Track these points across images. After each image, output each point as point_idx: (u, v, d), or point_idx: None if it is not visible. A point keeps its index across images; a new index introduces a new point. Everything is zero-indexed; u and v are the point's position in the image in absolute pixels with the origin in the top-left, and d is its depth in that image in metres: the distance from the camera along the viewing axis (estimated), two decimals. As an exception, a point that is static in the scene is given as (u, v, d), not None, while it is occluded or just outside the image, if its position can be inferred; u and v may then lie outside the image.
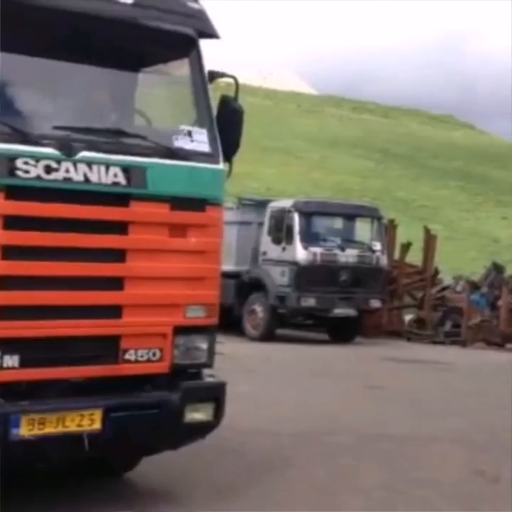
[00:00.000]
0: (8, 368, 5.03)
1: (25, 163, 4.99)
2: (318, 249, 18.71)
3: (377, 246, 19.52)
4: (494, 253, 39.60)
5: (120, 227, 5.38)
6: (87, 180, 5.20)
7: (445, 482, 6.99)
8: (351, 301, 18.97)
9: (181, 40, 5.77)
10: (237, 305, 19.21)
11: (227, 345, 13.20)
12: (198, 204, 5.66)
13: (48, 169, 5.07)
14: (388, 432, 8.84)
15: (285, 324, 19.60)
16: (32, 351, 5.09)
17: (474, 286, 23.28)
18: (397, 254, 22.48)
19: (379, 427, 9.08)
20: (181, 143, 5.66)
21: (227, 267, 17.70)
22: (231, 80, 6.07)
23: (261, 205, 20.08)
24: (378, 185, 58.99)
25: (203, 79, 5.88)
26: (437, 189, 62.83)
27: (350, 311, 19.00)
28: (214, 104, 5.96)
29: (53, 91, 5.71)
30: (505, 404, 11.32)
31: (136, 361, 5.47)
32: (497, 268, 24.88)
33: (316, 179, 56.97)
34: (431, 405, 10.96)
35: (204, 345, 5.73)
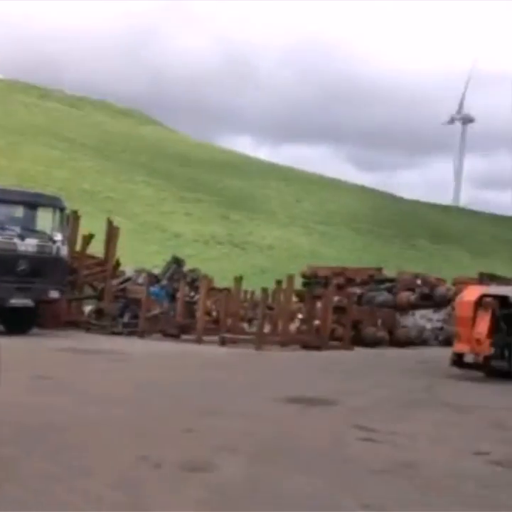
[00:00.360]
0: None
1: None
2: (-5, 238, 18.15)
3: (58, 236, 19.34)
4: (176, 247, 40.73)
5: None
6: None
7: (108, 469, 7.02)
8: (29, 291, 18.61)
9: None
10: None
11: None
12: None
13: None
14: (52, 422, 8.73)
15: (-43, 315, 18.79)
16: None
17: (155, 279, 23.79)
18: (79, 246, 22.41)
19: (45, 417, 8.94)
20: None
21: None
22: None
23: None
24: (64, 175, 58.41)
25: None
26: (123, 182, 63.44)
27: (27, 302, 18.64)
28: None
29: None
30: (174, 391, 11.69)
31: None
32: (177, 262, 25.65)
33: (1, 166, 55.26)
34: (98, 394, 10.99)
35: None
